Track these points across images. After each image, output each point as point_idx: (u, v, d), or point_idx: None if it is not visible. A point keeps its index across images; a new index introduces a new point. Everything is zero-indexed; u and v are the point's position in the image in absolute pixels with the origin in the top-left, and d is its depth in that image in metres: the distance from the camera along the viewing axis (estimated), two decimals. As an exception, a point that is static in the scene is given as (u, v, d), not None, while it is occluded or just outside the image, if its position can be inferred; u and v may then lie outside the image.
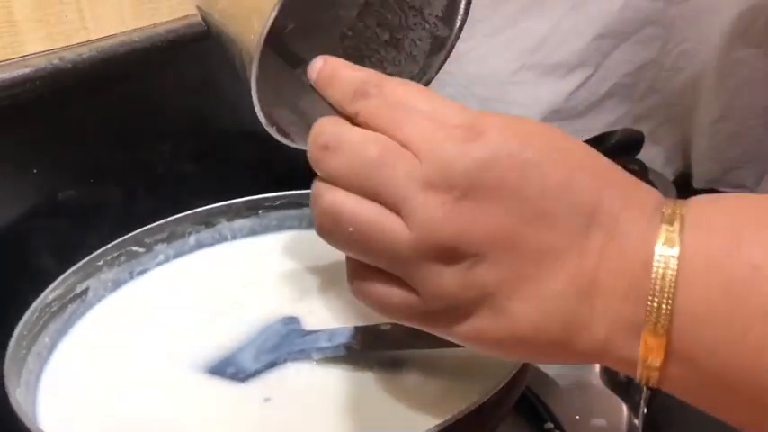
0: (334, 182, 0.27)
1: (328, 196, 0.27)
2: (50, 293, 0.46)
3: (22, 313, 0.44)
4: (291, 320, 0.46)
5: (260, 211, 0.58)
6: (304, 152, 0.29)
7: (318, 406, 0.40)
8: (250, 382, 0.42)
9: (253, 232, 0.58)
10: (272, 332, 0.45)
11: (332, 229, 0.27)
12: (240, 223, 0.57)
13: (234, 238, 0.57)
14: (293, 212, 0.58)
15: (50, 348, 0.45)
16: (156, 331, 0.47)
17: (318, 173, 0.28)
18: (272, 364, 0.42)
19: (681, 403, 0.67)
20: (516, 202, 0.25)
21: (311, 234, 0.57)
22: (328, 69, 0.30)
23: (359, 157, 0.26)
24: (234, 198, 0.57)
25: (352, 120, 0.28)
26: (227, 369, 0.42)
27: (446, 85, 0.99)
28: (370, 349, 0.41)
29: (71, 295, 0.48)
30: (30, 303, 0.44)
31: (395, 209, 0.26)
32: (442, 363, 0.41)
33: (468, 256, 0.25)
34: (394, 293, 0.27)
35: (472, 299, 0.25)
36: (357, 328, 0.42)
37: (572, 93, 1.02)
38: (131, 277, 0.52)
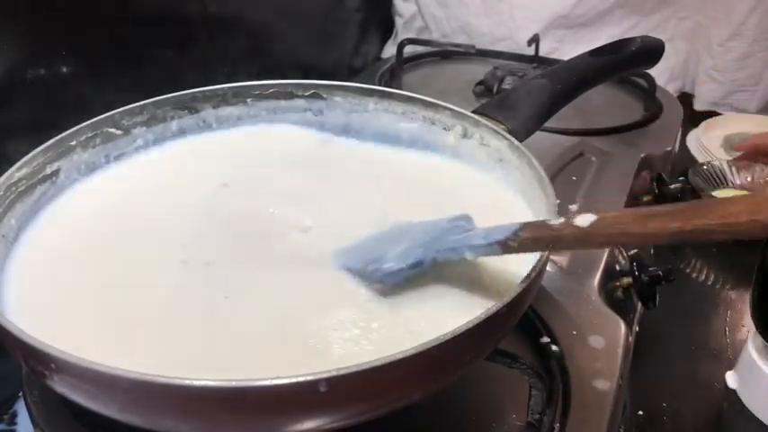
0: None
1: None
2: (16, 172, 0.41)
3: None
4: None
5: (248, 100, 0.53)
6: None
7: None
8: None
9: (240, 122, 0.53)
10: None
11: None
12: (227, 111, 0.53)
13: (220, 126, 0.53)
14: (285, 103, 0.54)
15: (17, 231, 0.41)
16: (133, 219, 0.44)
17: None
18: None
19: (668, 323, 0.65)
20: None
21: (306, 131, 0.54)
22: None
23: None
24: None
25: None
26: None
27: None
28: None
29: (40, 176, 0.43)
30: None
31: None
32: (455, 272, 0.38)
33: None
34: None
35: None
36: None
37: (581, -2, 0.97)
38: (107, 161, 0.48)
